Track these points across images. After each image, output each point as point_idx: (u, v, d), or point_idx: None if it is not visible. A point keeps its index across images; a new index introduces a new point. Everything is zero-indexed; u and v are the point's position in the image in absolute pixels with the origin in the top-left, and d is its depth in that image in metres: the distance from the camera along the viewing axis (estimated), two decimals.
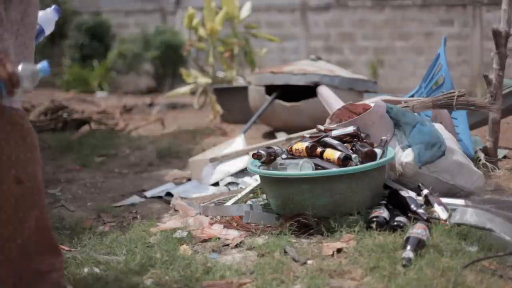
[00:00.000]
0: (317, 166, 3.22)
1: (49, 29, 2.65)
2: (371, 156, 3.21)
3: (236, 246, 3.06)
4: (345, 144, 3.34)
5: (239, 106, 6.61)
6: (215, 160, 4.56)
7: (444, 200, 3.19)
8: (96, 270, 2.76)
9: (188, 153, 5.37)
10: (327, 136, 3.41)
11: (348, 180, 3.13)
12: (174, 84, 9.44)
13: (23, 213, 2.16)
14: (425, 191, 3.20)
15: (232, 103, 6.75)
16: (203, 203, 3.74)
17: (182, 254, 2.92)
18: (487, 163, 4.02)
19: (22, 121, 2.19)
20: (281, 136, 5.10)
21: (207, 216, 3.43)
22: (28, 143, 2.19)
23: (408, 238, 2.71)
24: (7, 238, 2.15)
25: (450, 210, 3.06)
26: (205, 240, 3.15)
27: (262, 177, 3.40)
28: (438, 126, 3.58)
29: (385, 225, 3.00)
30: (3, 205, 2.13)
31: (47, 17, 2.63)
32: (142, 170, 5.04)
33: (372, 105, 3.58)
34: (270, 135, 5.81)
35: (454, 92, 3.66)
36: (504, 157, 4.29)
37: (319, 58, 6.06)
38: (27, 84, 2.11)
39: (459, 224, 2.83)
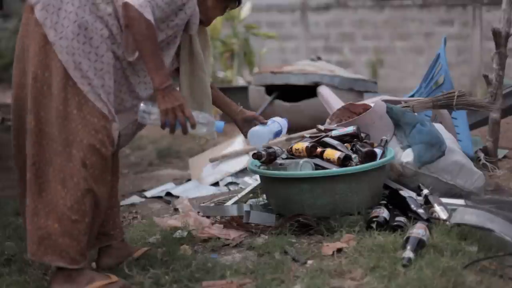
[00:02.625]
0: (317, 166, 3.22)
1: (284, 131, 3.22)
2: (371, 156, 3.21)
3: (236, 246, 3.06)
4: (345, 144, 3.34)
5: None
6: (215, 160, 4.56)
7: (444, 200, 3.20)
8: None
9: (188, 153, 5.37)
10: (327, 136, 3.41)
11: (348, 180, 3.13)
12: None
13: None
14: (425, 191, 3.20)
15: None
16: (203, 203, 3.74)
17: (182, 254, 2.92)
18: (487, 163, 4.02)
19: (99, 120, 2.51)
20: (281, 136, 5.10)
21: (207, 216, 3.43)
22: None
23: (408, 238, 2.71)
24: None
25: (450, 210, 3.06)
26: (205, 240, 3.15)
27: (262, 177, 3.40)
28: (438, 126, 3.58)
29: (385, 225, 3.00)
30: (67, 179, 2.48)
31: (284, 123, 3.22)
32: (142, 170, 5.04)
33: (372, 105, 3.58)
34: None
35: (454, 92, 3.66)
36: (504, 157, 4.29)
37: (319, 58, 6.06)
38: (201, 130, 2.69)
39: (459, 224, 2.83)
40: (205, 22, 2.85)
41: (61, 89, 2.50)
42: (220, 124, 2.79)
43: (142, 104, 2.64)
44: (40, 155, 2.52)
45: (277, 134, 3.17)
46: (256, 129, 3.13)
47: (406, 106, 3.64)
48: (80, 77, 2.50)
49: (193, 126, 2.63)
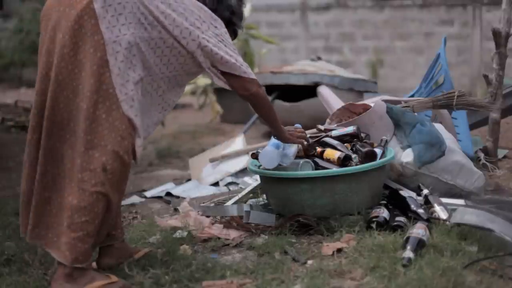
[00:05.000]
0: (317, 166, 3.22)
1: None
2: (371, 156, 3.21)
3: (236, 246, 3.06)
4: (345, 144, 3.34)
5: (239, 106, 6.60)
6: (215, 160, 4.56)
7: (444, 200, 3.20)
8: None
9: (188, 153, 5.37)
10: (327, 136, 3.41)
11: (348, 180, 3.13)
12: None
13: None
14: (425, 191, 3.20)
15: (232, 103, 6.74)
16: (203, 203, 3.74)
17: (182, 254, 2.92)
18: (487, 163, 4.02)
19: (127, 127, 2.55)
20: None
21: (207, 216, 3.43)
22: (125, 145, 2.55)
23: (408, 238, 2.71)
24: None
25: (450, 210, 3.06)
26: (205, 240, 3.15)
27: (262, 177, 3.40)
28: (438, 126, 3.58)
29: (385, 225, 3.00)
30: (86, 180, 2.50)
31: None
32: (142, 170, 5.04)
33: (372, 105, 3.58)
34: (270, 135, 5.80)
35: (454, 92, 3.66)
36: (504, 157, 4.29)
37: (319, 58, 6.06)
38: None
39: (459, 224, 2.83)
40: None
41: (94, 91, 2.50)
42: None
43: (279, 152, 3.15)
44: (64, 153, 2.54)
45: (290, 155, 3.21)
46: (267, 150, 3.16)
47: (406, 106, 3.64)
48: (120, 85, 2.52)
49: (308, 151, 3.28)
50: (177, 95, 2.84)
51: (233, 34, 2.98)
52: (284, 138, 3.12)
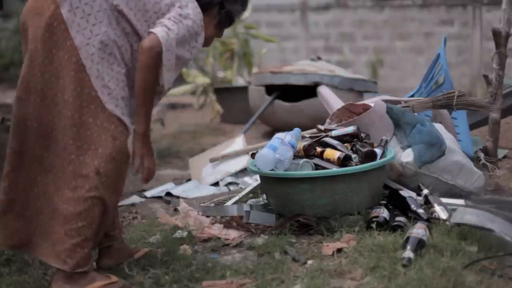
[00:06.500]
0: (317, 166, 3.22)
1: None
2: (371, 156, 3.21)
3: (236, 246, 3.06)
4: (345, 144, 3.34)
5: (239, 106, 6.61)
6: (215, 160, 4.56)
7: (444, 200, 3.20)
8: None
9: (188, 153, 5.37)
10: (327, 136, 3.41)
11: (348, 180, 3.13)
12: (174, 83, 9.42)
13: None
14: (425, 191, 3.20)
15: (232, 103, 6.75)
16: (203, 203, 3.74)
17: (182, 254, 2.92)
18: (487, 163, 4.02)
19: (117, 127, 2.51)
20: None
21: (207, 216, 3.43)
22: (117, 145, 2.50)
23: (408, 238, 2.71)
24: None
25: (450, 210, 3.06)
26: (205, 240, 3.15)
27: (262, 177, 3.40)
28: (438, 126, 3.58)
29: (385, 225, 3.00)
30: (80, 186, 2.47)
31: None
32: None
33: (372, 105, 3.58)
34: (270, 135, 5.81)
35: (454, 92, 3.66)
36: (504, 157, 4.29)
37: (319, 58, 6.06)
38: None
39: (459, 224, 2.83)
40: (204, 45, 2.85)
41: (76, 97, 2.47)
42: None
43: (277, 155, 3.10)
44: (51, 162, 2.51)
45: (286, 160, 3.18)
46: (264, 152, 3.16)
47: (406, 106, 3.64)
48: (101, 86, 2.49)
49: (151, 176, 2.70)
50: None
51: (227, 19, 2.85)
52: (139, 133, 2.60)
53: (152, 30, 2.53)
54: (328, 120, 3.72)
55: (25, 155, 2.55)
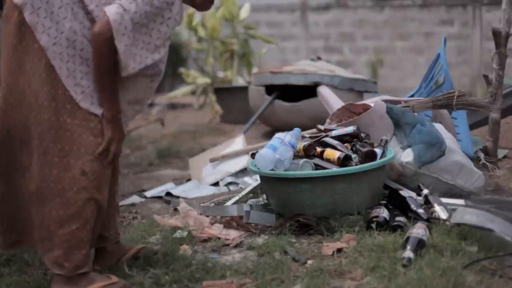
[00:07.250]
0: (317, 166, 3.22)
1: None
2: (371, 156, 3.21)
3: (236, 246, 3.06)
4: (345, 144, 3.34)
5: (239, 106, 6.61)
6: (215, 160, 4.56)
7: (444, 200, 3.20)
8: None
9: (188, 153, 5.37)
10: (327, 136, 3.41)
11: (348, 180, 3.13)
12: (174, 84, 9.43)
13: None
14: (425, 191, 3.20)
15: (232, 103, 6.74)
16: (203, 203, 3.74)
17: (182, 254, 2.92)
18: (487, 163, 4.02)
19: (96, 124, 2.47)
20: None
21: (207, 216, 3.43)
22: (98, 142, 2.47)
23: (408, 238, 2.71)
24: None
25: (450, 210, 3.06)
26: (205, 240, 3.15)
27: (262, 177, 3.40)
28: (438, 126, 3.58)
29: (385, 225, 3.00)
30: (67, 189, 2.44)
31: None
32: (142, 170, 5.04)
33: (372, 105, 3.58)
34: (270, 135, 5.81)
35: (454, 92, 3.66)
36: (504, 157, 4.29)
37: (319, 58, 6.06)
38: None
39: (459, 224, 2.83)
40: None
41: (51, 99, 2.43)
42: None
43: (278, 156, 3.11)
44: (37, 170, 2.47)
45: (286, 160, 3.18)
46: (264, 152, 3.15)
47: (406, 106, 3.64)
48: (74, 85, 2.44)
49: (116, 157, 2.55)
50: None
51: None
52: (108, 118, 2.48)
53: (106, 9, 2.39)
54: (328, 120, 3.73)
55: (10, 166, 2.52)
